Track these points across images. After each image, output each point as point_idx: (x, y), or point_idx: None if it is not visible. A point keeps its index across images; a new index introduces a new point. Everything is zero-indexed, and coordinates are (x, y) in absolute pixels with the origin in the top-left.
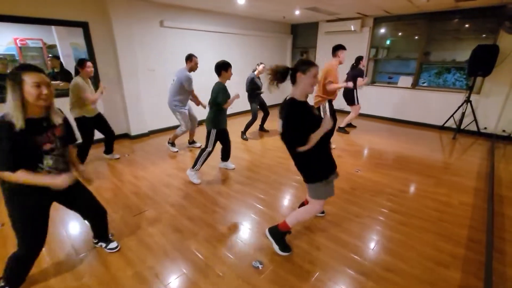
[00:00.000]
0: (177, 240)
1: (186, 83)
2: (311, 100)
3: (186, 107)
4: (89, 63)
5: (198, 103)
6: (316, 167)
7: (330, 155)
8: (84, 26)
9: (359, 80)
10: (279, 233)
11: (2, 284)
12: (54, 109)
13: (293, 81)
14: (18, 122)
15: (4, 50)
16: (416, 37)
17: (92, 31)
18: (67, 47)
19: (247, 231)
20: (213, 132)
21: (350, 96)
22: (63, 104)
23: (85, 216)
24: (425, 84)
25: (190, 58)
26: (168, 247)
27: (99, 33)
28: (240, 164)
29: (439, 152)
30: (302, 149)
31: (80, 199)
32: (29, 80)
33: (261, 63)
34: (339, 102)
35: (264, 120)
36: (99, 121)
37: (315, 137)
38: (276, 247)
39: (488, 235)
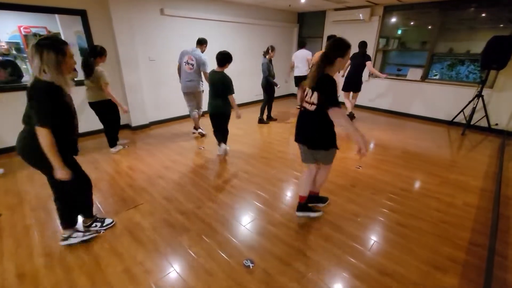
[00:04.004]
0: (169, 235)
1: (204, 67)
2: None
3: None
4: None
5: None
6: (333, 134)
7: None
8: (82, 14)
9: (370, 64)
10: (304, 206)
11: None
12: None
13: (331, 63)
14: (67, 88)
15: (9, 38)
16: (429, 27)
17: (91, 20)
18: (72, 35)
19: (241, 228)
20: (230, 115)
21: (359, 84)
22: (77, 93)
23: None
24: (437, 77)
25: (206, 42)
26: (160, 242)
27: (97, 21)
28: (240, 158)
29: (446, 149)
30: (335, 112)
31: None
32: (69, 52)
33: (272, 47)
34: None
35: (270, 108)
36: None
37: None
38: (313, 215)
39: (491, 239)
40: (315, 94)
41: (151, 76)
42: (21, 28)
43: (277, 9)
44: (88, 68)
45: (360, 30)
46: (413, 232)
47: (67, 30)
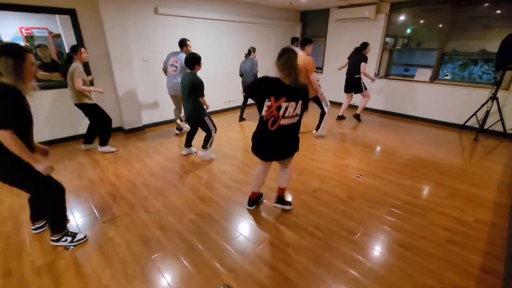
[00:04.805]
0: (142, 254)
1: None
2: None
3: None
4: (83, 49)
5: None
6: None
7: None
8: (71, 13)
9: (363, 66)
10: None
11: (60, 236)
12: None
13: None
14: (28, 93)
15: (10, 40)
16: (440, 25)
17: (80, 19)
18: (72, 36)
19: (222, 246)
20: (207, 118)
21: (357, 85)
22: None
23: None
24: (448, 77)
25: (185, 41)
26: (131, 262)
27: (87, 20)
28: (232, 165)
29: (457, 156)
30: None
31: None
32: (29, 59)
33: (254, 48)
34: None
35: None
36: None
37: None
38: (287, 208)
39: (506, 264)
40: (299, 104)
41: (144, 77)
42: (23, 30)
43: (279, 8)
44: (68, 61)
45: (365, 29)
46: (415, 254)
47: (67, 31)
